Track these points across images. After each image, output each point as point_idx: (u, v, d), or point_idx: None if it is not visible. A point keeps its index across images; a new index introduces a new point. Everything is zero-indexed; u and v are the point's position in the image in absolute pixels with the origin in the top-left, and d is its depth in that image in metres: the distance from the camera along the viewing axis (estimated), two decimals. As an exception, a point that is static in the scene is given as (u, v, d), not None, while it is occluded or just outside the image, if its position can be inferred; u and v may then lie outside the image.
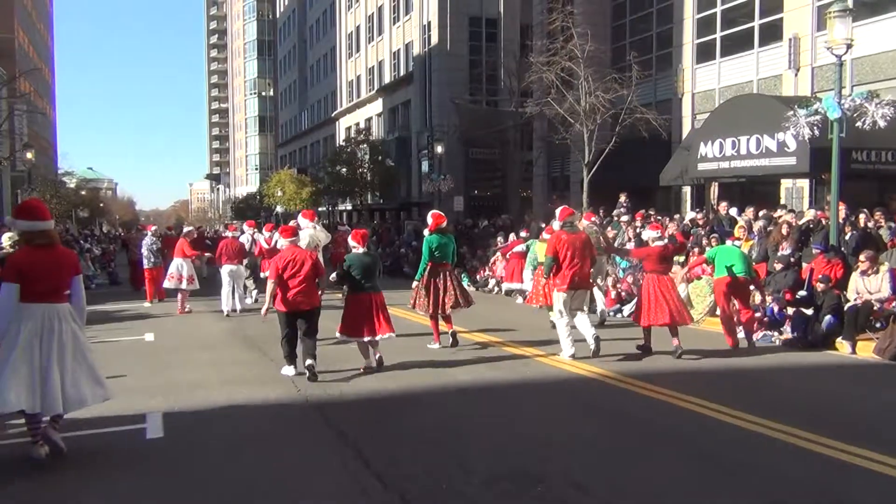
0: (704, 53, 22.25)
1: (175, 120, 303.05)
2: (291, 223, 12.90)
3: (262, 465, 5.51)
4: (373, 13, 49.79)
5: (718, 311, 11.11)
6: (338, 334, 8.99)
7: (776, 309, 11.40)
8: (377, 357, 9.04)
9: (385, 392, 7.90)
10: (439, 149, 31.05)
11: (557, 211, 10.30)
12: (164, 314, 14.69)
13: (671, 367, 9.12)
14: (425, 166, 40.81)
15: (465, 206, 34.46)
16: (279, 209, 55.10)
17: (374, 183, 41.94)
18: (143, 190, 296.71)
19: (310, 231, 11.37)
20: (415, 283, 10.59)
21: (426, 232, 10.77)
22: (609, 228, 17.93)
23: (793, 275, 11.98)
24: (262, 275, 15.15)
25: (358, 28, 53.24)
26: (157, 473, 5.44)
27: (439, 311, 10.45)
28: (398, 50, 46.23)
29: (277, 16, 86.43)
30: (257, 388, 8.06)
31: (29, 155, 26.91)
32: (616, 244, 14.90)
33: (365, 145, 42.32)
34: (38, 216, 5.69)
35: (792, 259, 12.31)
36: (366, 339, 8.79)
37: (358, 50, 53.72)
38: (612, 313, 13.80)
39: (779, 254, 12.65)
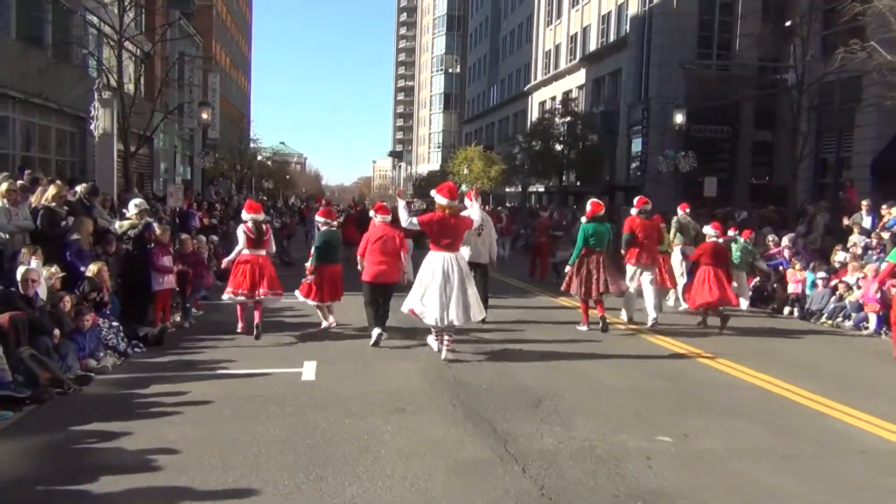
0: None
1: (363, 98, 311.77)
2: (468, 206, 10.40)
3: None
4: (580, -27, 44.44)
5: None
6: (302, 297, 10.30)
7: None
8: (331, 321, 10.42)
9: None
10: (679, 118, 25.18)
11: (636, 199, 11.93)
12: (339, 326, 10.53)
13: None
14: (637, 144, 35.16)
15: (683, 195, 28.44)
16: (464, 187, 51.47)
17: (577, 161, 36.81)
18: (330, 166, 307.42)
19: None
20: (567, 268, 10.98)
21: (583, 219, 11.05)
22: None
23: None
24: None
25: (561, -9, 48.08)
26: None
27: (590, 296, 10.67)
28: (609, 13, 40.56)
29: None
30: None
31: (205, 115, 24.46)
32: None
33: (568, 118, 37.24)
34: (451, 196, 8.59)
35: None
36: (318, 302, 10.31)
37: (559, 16, 48.52)
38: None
39: None
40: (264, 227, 9.99)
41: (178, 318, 10.78)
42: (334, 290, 10.33)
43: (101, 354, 8.04)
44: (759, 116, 31.31)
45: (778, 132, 28.94)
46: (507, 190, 52.00)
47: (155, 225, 10.87)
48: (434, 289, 8.22)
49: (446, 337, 8.37)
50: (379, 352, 8.99)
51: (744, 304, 13.67)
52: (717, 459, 5.33)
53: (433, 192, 8.93)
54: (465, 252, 10.30)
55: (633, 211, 11.74)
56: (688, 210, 13.76)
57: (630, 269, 11.26)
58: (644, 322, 11.21)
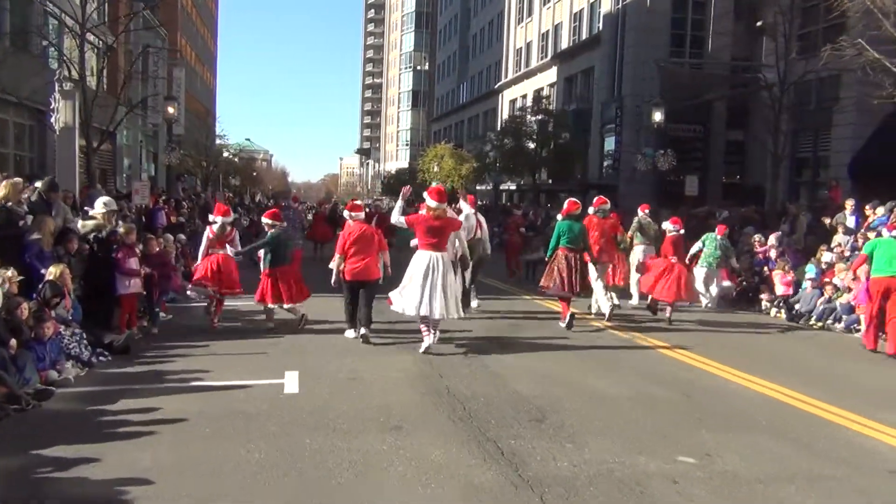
0: None
1: (330, 95, 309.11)
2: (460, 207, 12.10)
3: None
4: (551, -30, 44.13)
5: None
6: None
7: None
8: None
9: None
10: (657, 116, 24.95)
11: (594, 199, 12.58)
12: (323, 328, 9.99)
13: None
14: (610, 143, 34.96)
15: (658, 194, 28.20)
16: (434, 185, 50.95)
17: (549, 159, 36.53)
18: (296, 163, 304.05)
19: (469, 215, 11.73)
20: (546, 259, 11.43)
21: (559, 217, 11.22)
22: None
23: None
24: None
25: (532, -12, 47.77)
26: None
27: (565, 292, 10.76)
28: (580, 10, 40.36)
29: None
30: None
31: (171, 110, 23.57)
32: None
33: (540, 116, 36.91)
34: (440, 199, 8.89)
35: None
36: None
37: (530, 14, 48.26)
38: None
39: None
40: (227, 228, 10.47)
41: (145, 324, 10.12)
42: (297, 290, 10.14)
43: (64, 365, 7.39)
44: (732, 115, 31.31)
45: (750, 131, 28.92)
46: (479, 188, 51.60)
47: (120, 225, 10.18)
48: (416, 283, 8.73)
49: (433, 332, 8.84)
50: (362, 359, 8.45)
51: (707, 301, 13.66)
52: (746, 482, 4.92)
53: (424, 194, 9.24)
54: None
55: (591, 210, 12.32)
56: (647, 210, 13.97)
57: (590, 266, 11.68)
58: (623, 319, 11.68)
